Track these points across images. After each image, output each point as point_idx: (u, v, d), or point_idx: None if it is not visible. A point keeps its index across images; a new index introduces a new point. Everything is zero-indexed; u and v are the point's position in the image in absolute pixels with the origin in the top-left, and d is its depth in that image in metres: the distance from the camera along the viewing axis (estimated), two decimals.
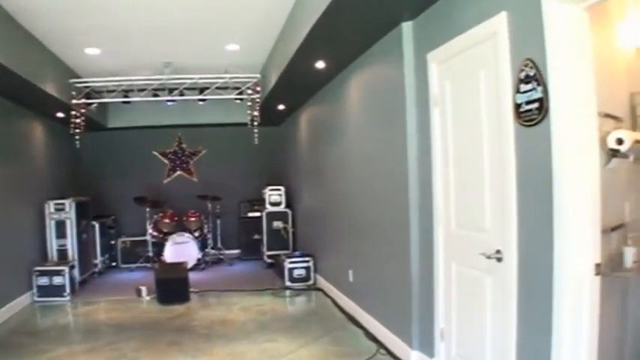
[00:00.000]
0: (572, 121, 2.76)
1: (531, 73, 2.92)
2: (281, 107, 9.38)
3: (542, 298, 2.92)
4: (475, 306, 3.66)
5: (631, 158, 3.53)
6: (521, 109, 3.01)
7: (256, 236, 10.56)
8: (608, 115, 3.33)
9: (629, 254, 3.51)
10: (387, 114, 5.04)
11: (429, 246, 4.30)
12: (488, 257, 3.35)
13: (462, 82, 3.77)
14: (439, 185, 4.13)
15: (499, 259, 3.30)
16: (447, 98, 3.98)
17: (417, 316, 4.56)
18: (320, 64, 6.10)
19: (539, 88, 2.85)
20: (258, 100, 8.43)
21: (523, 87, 2.98)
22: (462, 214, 3.86)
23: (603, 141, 3.07)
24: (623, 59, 3.78)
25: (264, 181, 10.73)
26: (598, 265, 2.81)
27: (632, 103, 3.86)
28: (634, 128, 3.73)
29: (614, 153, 3.30)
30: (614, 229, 3.43)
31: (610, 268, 3.29)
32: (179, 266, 7.99)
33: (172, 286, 7.43)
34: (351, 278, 6.42)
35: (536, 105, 2.89)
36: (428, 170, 4.28)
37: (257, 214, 10.62)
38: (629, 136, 3.25)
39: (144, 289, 7.76)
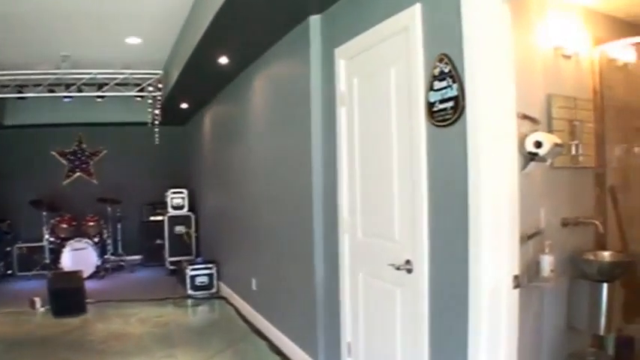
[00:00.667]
0: (490, 122, 2.53)
1: (446, 70, 2.68)
2: (184, 106, 8.90)
3: (457, 313, 2.68)
4: (384, 320, 3.40)
5: (548, 162, 3.38)
6: (435, 108, 2.77)
7: (159, 241, 9.97)
8: (525, 117, 3.16)
9: (546, 263, 3.36)
10: (291, 114, 4.73)
11: (334, 255, 4.01)
12: (398, 268, 3.09)
13: (371, 79, 3.50)
14: (345, 190, 3.84)
15: (409, 271, 3.05)
16: (355, 97, 3.70)
17: (322, 329, 4.27)
18: (223, 60, 5.72)
19: (455, 86, 2.62)
20: (159, 97, 7.99)
21: (437, 84, 2.74)
22: (370, 222, 3.59)
23: (521, 144, 2.88)
24: (540, 59, 3.64)
25: (168, 183, 10.23)
26: (516, 278, 2.59)
27: (549, 105, 3.73)
28: (550, 131, 3.59)
29: (532, 157, 3.13)
30: (530, 236, 3.27)
31: (527, 277, 3.12)
32: (74, 275, 7.39)
33: (67, 297, 6.83)
34: (254, 287, 6.08)
35: (450, 104, 2.65)
36: (333, 174, 3.99)
37: (159, 217, 10.07)
38: (548, 139, 3.08)
39: (38, 300, 7.12)
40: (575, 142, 3.92)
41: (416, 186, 2.96)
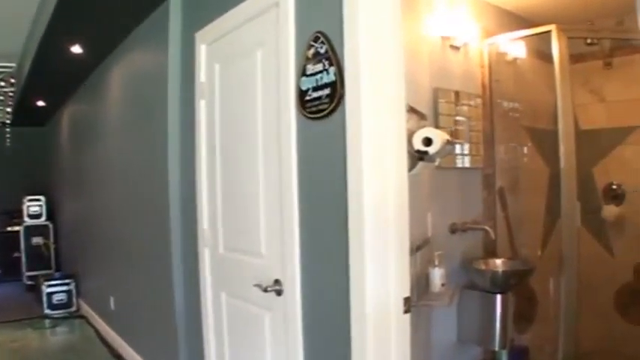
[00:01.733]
0: (375, 114, 2.09)
1: (322, 50, 2.20)
2: (41, 104, 7.94)
3: (337, 343, 2.20)
4: (253, 348, 2.84)
5: (437, 162, 3.02)
6: (308, 97, 2.28)
7: (16, 254, 8.97)
8: (413, 110, 2.78)
9: (437, 277, 3.00)
10: (147, 110, 4.11)
11: (194, 272, 3.43)
12: (265, 290, 2.55)
13: (234, 65, 2.97)
14: (204, 197, 3.27)
15: (278, 292, 2.53)
16: (217, 87, 3.14)
17: (185, 356, 3.68)
18: (77, 49, 4.97)
19: (332, 70, 2.15)
20: (11, 94, 7.08)
21: (311, 68, 2.26)
22: (233, 234, 3.04)
23: (407, 141, 2.46)
24: (427, 49, 3.30)
25: (26, 190, 9.17)
26: (407, 300, 2.16)
27: (435, 99, 3.38)
28: (436, 127, 3.24)
29: (420, 156, 2.74)
30: (418, 247, 2.90)
31: (416, 293, 2.74)
32: None
33: None
34: (112, 306, 5.41)
35: (326, 91, 2.17)
36: (192, 179, 3.41)
37: (17, 228, 9.04)
38: (438, 136, 2.70)
39: None
40: (462, 140, 3.62)
41: (285, 191, 2.45)
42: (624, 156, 4.35)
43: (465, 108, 3.60)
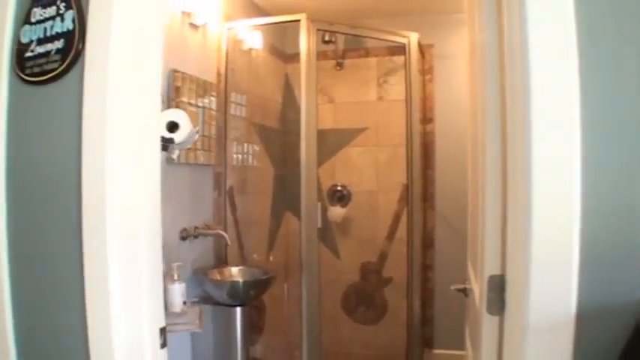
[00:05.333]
0: (128, 81, 1.53)
1: None
2: None
3: None
4: None
5: (176, 155, 2.53)
6: (30, 54, 1.60)
7: None
8: None
9: (177, 294, 2.50)
10: None
11: None
12: None
13: None
14: None
15: None
16: None
17: None
18: None
19: (70, 14, 1.53)
20: None
21: (39, 12, 1.59)
22: None
23: None
24: (166, 24, 2.78)
25: None
26: (163, 331, 1.64)
27: (170, 82, 2.88)
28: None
29: (164, 144, 2.23)
30: None
31: None
32: None
33: None
34: None
35: (59, 44, 1.54)
36: None
37: None
38: (186, 121, 2.23)
39: None
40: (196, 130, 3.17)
41: None
42: (350, 157, 4.40)
43: (200, 96, 3.15)
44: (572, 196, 1.20)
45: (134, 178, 1.55)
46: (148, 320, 1.57)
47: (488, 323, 1.49)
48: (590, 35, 1.22)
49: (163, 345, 1.62)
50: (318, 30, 3.53)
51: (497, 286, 1.45)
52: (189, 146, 2.55)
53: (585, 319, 1.20)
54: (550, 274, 1.21)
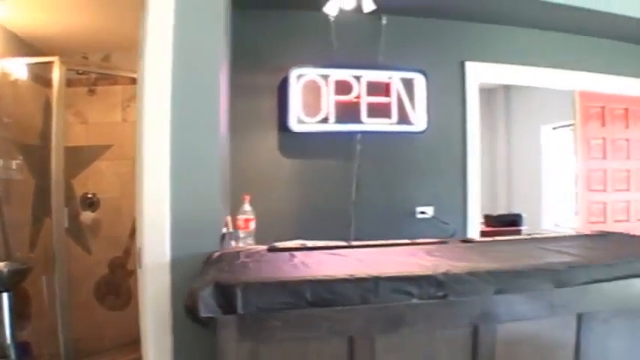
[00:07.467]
0: None
1: None
2: None
3: None
4: None
5: None
6: None
7: None
8: None
9: None
10: None
11: None
12: None
13: None
14: None
15: None
16: None
17: None
18: None
19: None
20: None
21: None
22: None
23: None
24: None
25: None
26: None
27: None
28: None
29: None
30: None
31: None
32: None
33: None
34: None
35: None
36: None
37: None
38: None
39: None
40: None
41: None
42: (99, 169, 5.26)
43: None
44: (165, 191, 2.44)
45: None
46: None
47: (140, 274, 2.58)
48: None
49: None
50: (68, 69, 4.48)
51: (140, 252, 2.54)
52: None
53: (174, 263, 2.44)
54: (155, 239, 2.43)
